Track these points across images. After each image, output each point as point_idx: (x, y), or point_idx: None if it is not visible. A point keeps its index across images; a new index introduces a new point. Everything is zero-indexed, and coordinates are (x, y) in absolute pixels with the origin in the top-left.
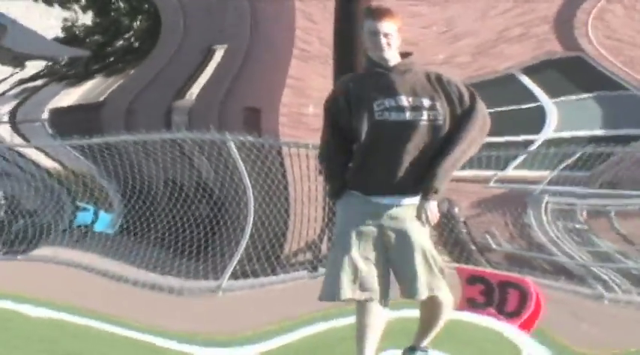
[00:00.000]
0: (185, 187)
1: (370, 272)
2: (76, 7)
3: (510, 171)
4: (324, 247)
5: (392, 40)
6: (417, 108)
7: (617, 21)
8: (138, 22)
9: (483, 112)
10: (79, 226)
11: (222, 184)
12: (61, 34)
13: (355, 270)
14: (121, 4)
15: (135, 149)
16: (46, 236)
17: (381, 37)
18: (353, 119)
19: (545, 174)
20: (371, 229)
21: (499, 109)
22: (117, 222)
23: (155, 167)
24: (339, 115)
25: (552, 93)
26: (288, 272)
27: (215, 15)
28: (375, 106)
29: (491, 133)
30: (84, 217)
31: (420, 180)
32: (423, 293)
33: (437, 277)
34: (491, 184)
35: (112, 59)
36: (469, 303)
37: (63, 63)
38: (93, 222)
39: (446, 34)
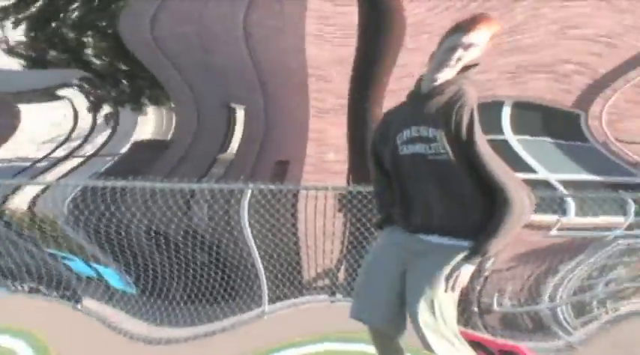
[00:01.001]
0: (171, 236)
1: (384, 299)
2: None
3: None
4: (341, 276)
5: (468, 52)
6: (424, 140)
7: None
8: (89, 39)
9: (485, 149)
10: (90, 278)
11: (215, 230)
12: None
13: (370, 295)
14: (68, 13)
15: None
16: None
17: (458, 50)
18: (384, 155)
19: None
20: (397, 259)
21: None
22: (126, 279)
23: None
24: (379, 153)
25: None
26: (311, 295)
27: (223, 78)
28: (398, 140)
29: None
30: (79, 267)
31: (454, 221)
32: (421, 314)
33: (440, 325)
34: (553, 232)
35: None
36: None
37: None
38: (99, 275)
39: None
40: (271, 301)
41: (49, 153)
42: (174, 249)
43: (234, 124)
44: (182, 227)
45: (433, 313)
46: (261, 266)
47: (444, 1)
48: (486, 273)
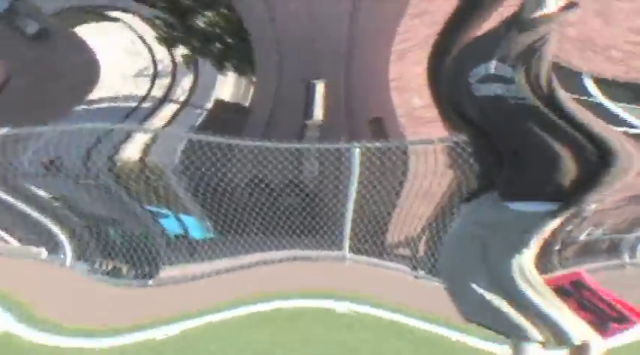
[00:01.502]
0: (273, 184)
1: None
2: None
3: None
4: (421, 248)
5: None
6: (502, 80)
7: None
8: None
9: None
10: (177, 236)
11: (321, 181)
12: None
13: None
14: None
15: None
16: (140, 250)
17: None
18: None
19: None
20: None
21: None
22: (207, 225)
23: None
24: (454, 97)
25: None
26: (392, 261)
27: (308, 52)
28: (472, 77)
29: None
30: (169, 224)
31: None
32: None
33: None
34: None
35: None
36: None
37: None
38: (185, 229)
39: None
40: (352, 251)
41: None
42: (274, 197)
43: (314, 96)
44: (289, 178)
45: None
46: (350, 214)
47: None
48: (585, 214)
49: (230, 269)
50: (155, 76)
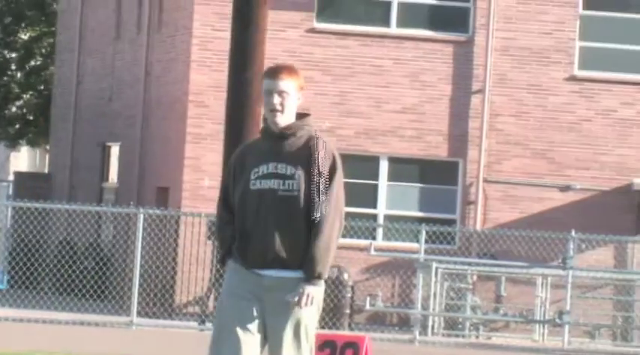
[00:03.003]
0: (76, 247)
1: (248, 343)
2: None
3: (382, 241)
4: (211, 304)
5: (287, 100)
6: (279, 177)
7: None
8: (27, 95)
9: (338, 196)
10: None
11: (114, 245)
12: None
13: (234, 343)
14: (17, 73)
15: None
16: None
17: (275, 96)
18: (235, 188)
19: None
20: (251, 299)
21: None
22: (2, 278)
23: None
24: (230, 186)
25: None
26: (182, 320)
27: (106, 118)
28: (252, 175)
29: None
30: None
31: (296, 255)
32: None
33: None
34: (373, 252)
35: (14, 126)
36: None
37: None
38: None
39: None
40: (140, 315)
41: None
42: (78, 257)
43: (108, 158)
44: (90, 241)
45: (299, 338)
46: (137, 279)
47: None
48: (350, 283)
49: (17, 320)
50: None
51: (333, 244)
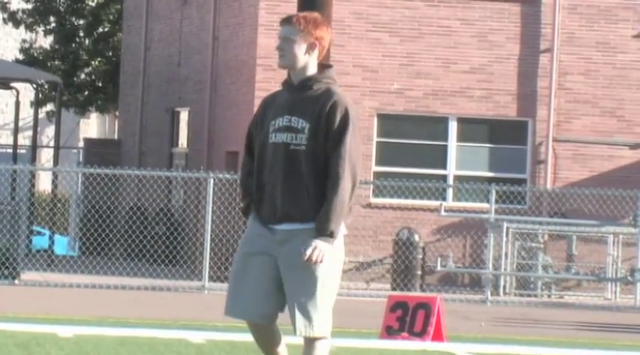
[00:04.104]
0: (147, 212)
1: (260, 296)
2: (39, 29)
3: (453, 202)
4: None
5: (288, 45)
6: (292, 130)
7: None
8: (96, 62)
9: (351, 151)
10: (38, 250)
11: (184, 210)
12: (19, 56)
13: (242, 291)
14: (85, 40)
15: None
16: (8, 259)
17: (280, 41)
18: (256, 139)
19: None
20: (265, 253)
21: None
22: (74, 245)
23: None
24: (253, 133)
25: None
26: None
27: (174, 83)
28: (270, 127)
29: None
30: (39, 241)
31: (305, 212)
32: (301, 332)
33: (319, 309)
34: (443, 213)
35: (83, 92)
36: (387, 331)
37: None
38: (50, 246)
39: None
40: (211, 279)
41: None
42: (149, 223)
43: (177, 123)
44: (160, 206)
45: (314, 290)
46: (208, 244)
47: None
48: (421, 244)
49: (90, 286)
50: (17, 130)
51: (346, 201)
